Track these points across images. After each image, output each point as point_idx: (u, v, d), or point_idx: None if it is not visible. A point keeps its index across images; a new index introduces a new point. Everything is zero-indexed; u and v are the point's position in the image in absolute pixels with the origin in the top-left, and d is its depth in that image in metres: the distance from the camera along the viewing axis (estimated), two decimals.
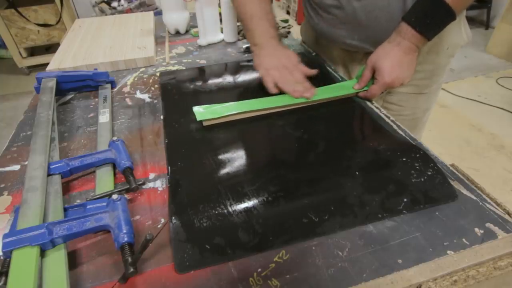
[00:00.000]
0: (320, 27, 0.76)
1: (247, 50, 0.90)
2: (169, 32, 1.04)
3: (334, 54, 0.82)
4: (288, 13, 3.57)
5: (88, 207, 0.42)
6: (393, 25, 0.63)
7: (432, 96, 0.80)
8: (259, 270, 0.38)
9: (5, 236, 0.36)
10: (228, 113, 0.59)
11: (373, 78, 0.65)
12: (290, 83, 0.64)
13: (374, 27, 0.67)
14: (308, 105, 0.64)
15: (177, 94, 0.69)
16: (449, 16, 0.57)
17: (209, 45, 0.95)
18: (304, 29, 0.92)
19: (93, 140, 0.58)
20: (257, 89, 0.70)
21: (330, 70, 0.79)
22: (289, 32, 1.00)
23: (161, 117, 0.63)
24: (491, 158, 1.72)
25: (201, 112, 0.59)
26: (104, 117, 0.62)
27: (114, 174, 0.51)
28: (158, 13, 1.12)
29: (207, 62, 0.85)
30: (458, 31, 0.71)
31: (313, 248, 0.40)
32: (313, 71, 0.68)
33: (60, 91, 0.71)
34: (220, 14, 0.92)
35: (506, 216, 0.43)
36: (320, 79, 0.74)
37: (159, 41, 0.98)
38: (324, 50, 0.85)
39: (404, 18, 0.60)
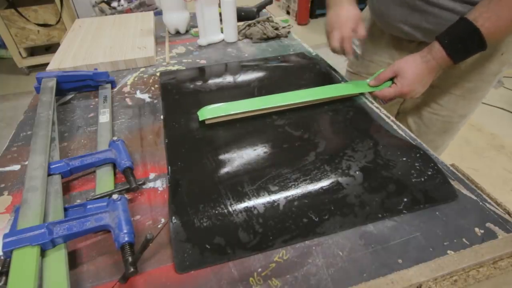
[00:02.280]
0: (377, 6, 0.75)
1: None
2: (169, 32, 1.04)
3: (383, 44, 0.81)
4: (288, 13, 3.57)
5: (88, 207, 0.42)
6: (450, 17, 0.61)
7: (473, 103, 0.76)
8: (260, 270, 0.38)
9: (6, 236, 0.36)
10: (228, 113, 0.59)
11: (391, 81, 0.65)
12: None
13: (431, 14, 0.65)
14: (308, 104, 0.64)
15: (177, 94, 0.69)
16: (481, 46, 0.57)
17: (209, 45, 0.95)
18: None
19: (93, 140, 0.58)
20: (257, 89, 0.70)
21: (330, 70, 0.79)
22: (289, 32, 1.00)
23: (161, 117, 0.63)
24: (491, 158, 1.72)
25: (202, 112, 0.60)
26: (104, 117, 0.62)
27: (114, 174, 0.51)
28: (158, 13, 1.12)
29: (207, 62, 0.85)
30: None
31: (313, 248, 0.40)
32: (361, 34, 0.68)
33: (60, 91, 0.71)
34: (220, 14, 0.92)
35: (506, 216, 0.43)
36: (320, 79, 0.74)
37: (159, 41, 0.98)
38: (374, 40, 0.83)
39: (438, 38, 0.60)
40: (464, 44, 0.57)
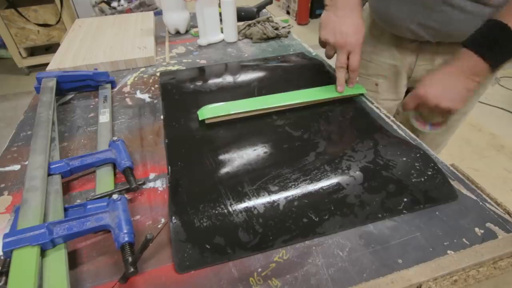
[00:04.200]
0: (380, 5, 0.72)
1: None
2: (169, 32, 1.04)
3: (383, 43, 0.78)
4: (288, 13, 3.57)
5: (88, 207, 0.42)
6: (458, 16, 0.59)
7: (474, 100, 0.75)
8: (260, 270, 0.38)
9: (6, 236, 0.36)
10: (228, 112, 0.59)
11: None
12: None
13: (440, 12, 0.61)
14: (308, 104, 0.64)
15: (177, 94, 0.69)
16: None
17: (209, 45, 0.95)
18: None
19: (93, 140, 0.58)
20: (257, 89, 0.70)
21: (330, 70, 0.79)
22: (289, 32, 1.00)
23: (161, 117, 0.63)
24: (491, 158, 1.72)
25: (202, 111, 0.60)
26: (104, 117, 0.62)
27: (114, 174, 0.51)
28: (158, 13, 1.12)
29: (207, 62, 0.85)
30: None
31: (313, 248, 0.40)
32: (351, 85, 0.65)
33: (60, 91, 0.71)
34: (220, 14, 0.92)
35: (506, 216, 0.43)
36: (320, 79, 0.74)
37: (159, 41, 0.98)
38: (373, 39, 0.81)
39: (463, 43, 0.55)
40: (496, 42, 0.53)
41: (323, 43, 0.65)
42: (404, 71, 0.79)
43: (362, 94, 0.68)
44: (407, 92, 0.85)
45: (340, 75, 0.64)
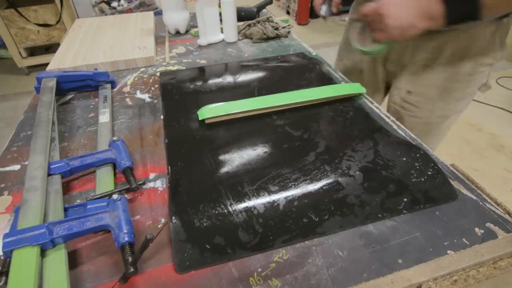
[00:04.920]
0: None
1: None
2: (169, 32, 1.04)
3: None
4: (288, 13, 3.57)
5: (88, 207, 0.42)
6: None
7: (452, 104, 0.76)
8: (260, 270, 0.38)
9: (6, 236, 0.36)
10: (228, 112, 0.59)
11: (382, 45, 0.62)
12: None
13: None
14: (308, 104, 0.64)
15: (177, 94, 0.69)
16: (475, 11, 0.53)
17: (209, 45, 0.95)
18: None
19: (93, 140, 0.58)
20: (257, 89, 0.70)
21: (330, 70, 0.79)
22: (289, 32, 1.00)
23: (161, 117, 0.63)
24: (491, 158, 1.72)
25: (202, 111, 0.60)
26: (104, 117, 0.62)
27: (114, 174, 0.51)
28: (158, 13, 1.12)
29: (207, 62, 0.85)
30: (491, 41, 0.67)
31: (313, 248, 0.40)
32: None
33: (60, 91, 0.71)
34: (220, 14, 0.92)
35: (506, 216, 0.43)
36: (320, 79, 0.74)
37: (159, 41, 0.98)
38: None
39: None
40: (461, 1, 0.54)
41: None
42: None
43: (361, 94, 0.68)
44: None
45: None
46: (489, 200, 0.45)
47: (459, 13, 0.54)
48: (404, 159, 0.49)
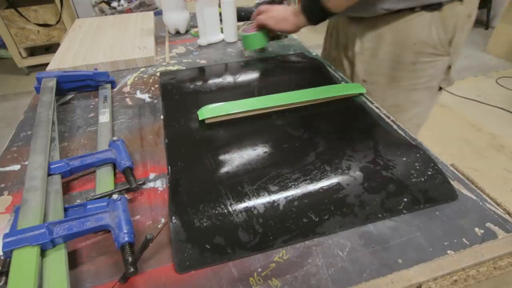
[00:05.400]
0: None
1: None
2: (169, 32, 1.04)
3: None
4: None
5: (88, 207, 0.42)
6: None
7: (401, 93, 0.79)
8: (260, 270, 0.38)
9: (6, 236, 0.36)
10: (228, 112, 0.59)
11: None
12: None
13: None
14: (308, 104, 0.64)
15: (177, 94, 0.69)
16: (324, 12, 0.69)
17: (209, 45, 0.95)
18: None
19: (93, 140, 0.58)
20: (257, 89, 0.70)
21: (330, 70, 0.79)
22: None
23: (161, 117, 0.63)
24: (491, 158, 1.72)
25: (202, 111, 0.60)
26: (104, 117, 0.62)
27: (114, 174, 0.51)
28: (158, 13, 1.12)
29: (207, 62, 0.85)
30: (427, 29, 0.71)
31: (313, 248, 0.40)
32: None
33: (60, 91, 0.71)
34: (220, 14, 0.92)
35: (506, 216, 0.43)
36: (320, 79, 0.74)
37: (159, 41, 0.98)
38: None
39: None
40: (313, 8, 0.71)
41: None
42: None
43: (362, 94, 0.68)
44: None
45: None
46: (489, 200, 0.45)
47: (309, 10, 0.72)
48: (404, 159, 0.49)
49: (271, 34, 0.84)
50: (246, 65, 0.81)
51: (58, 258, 0.37)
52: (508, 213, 0.43)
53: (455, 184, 0.47)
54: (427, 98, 0.81)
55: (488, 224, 0.42)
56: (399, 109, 0.81)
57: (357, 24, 0.79)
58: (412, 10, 0.69)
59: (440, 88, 0.81)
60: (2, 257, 0.38)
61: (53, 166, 0.48)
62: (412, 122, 0.84)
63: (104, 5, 2.25)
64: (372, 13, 0.72)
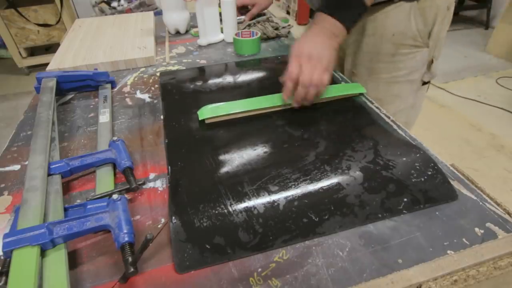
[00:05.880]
0: None
1: None
2: (169, 32, 1.04)
3: None
4: (288, 13, 3.57)
5: (88, 207, 0.42)
6: None
7: (381, 86, 0.79)
8: (260, 270, 0.38)
9: (6, 236, 0.36)
10: (228, 112, 0.59)
11: None
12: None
13: None
14: (308, 105, 0.64)
15: (177, 94, 0.69)
16: (360, 4, 0.61)
17: (209, 45, 0.95)
18: None
19: (93, 140, 0.58)
20: (257, 89, 0.70)
21: None
22: (289, 32, 1.00)
23: (161, 117, 0.63)
24: (491, 158, 1.72)
25: (202, 111, 0.60)
26: (104, 117, 0.62)
27: (114, 174, 0.51)
28: (158, 13, 1.12)
29: (207, 62, 0.85)
30: (406, 20, 0.71)
31: (313, 248, 0.40)
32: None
33: (60, 91, 0.71)
34: (220, 14, 0.92)
35: (506, 216, 0.43)
36: None
37: (159, 41, 0.98)
38: None
39: (320, 9, 0.62)
40: (344, 5, 0.61)
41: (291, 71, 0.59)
42: None
43: (362, 94, 0.68)
44: None
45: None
46: (489, 200, 0.45)
47: (354, 21, 0.62)
48: (404, 159, 0.49)
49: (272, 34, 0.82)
50: (246, 65, 0.80)
51: (58, 258, 0.37)
52: (508, 213, 0.43)
53: (455, 184, 0.47)
54: (409, 92, 0.80)
55: (488, 224, 0.42)
56: (381, 103, 0.74)
57: None
58: (391, 1, 0.69)
59: (424, 83, 0.80)
60: (2, 257, 0.38)
61: (53, 166, 0.48)
62: (398, 119, 0.79)
63: (104, 5, 2.25)
64: None
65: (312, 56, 0.57)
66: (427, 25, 0.72)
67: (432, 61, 0.78)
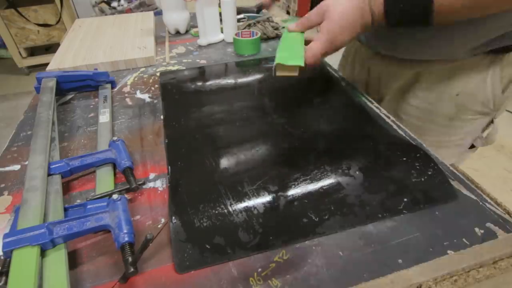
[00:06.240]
0: None
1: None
2: (169, 32, 1.04)
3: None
4: (288, 13, 3.57)
5: (88, 207, 0.42)
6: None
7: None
8: (260, 270, 0.38)
9: (5, 236, 0.36)
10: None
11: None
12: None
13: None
14: (308, 104, 0.64)
15: (177, 94, 0.69)
16: (425, 16, 0.45)
17: (209, 45, 0.95)
18: None
19: (93, 140, 0.58)
20: (257, 89, 0.70)
21: (330, 70, 0.79)
22: None
23: (161, 117, 0.63)
24: (491, 158, 1.72)
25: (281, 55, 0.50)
26: (104, 117, 0.62)
27: (114, 174, 0.51)
28: (158, 13, 1.12)
29: (207, 62, 0.85)
30: (481, 80, 0.54)
31: (313, 248, 0.40)
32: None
33: (60, 91, 0.71)
34: (220, 14, 0.92)
35: (506, 216, 0.43)
36: (320, 79, 0.74)
37: (159, 41, 0.98)
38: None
39: None
40: (407, 4, 0.45)
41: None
42: None
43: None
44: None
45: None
46: (489, 200, 0.45)
47: (403, 17, 0.46)
48: (404, 159, 0.49)
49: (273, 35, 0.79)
50: (246, 65, 0.80)
51: (58, 258, 0.37)
52: (508, 213, 0.43)
53: (455, 184, 0.47)
54: (450, 155, 0.66)
55: (488, 224, 0.42)
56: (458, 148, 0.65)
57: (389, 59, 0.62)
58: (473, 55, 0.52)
59: (472, 146, 0.65)
60: (2, 257, 0.38)
61: (53, 166, 0.48)
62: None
63: (104, 5, 2.25)
64: (445, 56, 0.52)
65: (341, 42, 0.49)
66: (501, 88, 0.55)
67: (492, 122, 0.62)
